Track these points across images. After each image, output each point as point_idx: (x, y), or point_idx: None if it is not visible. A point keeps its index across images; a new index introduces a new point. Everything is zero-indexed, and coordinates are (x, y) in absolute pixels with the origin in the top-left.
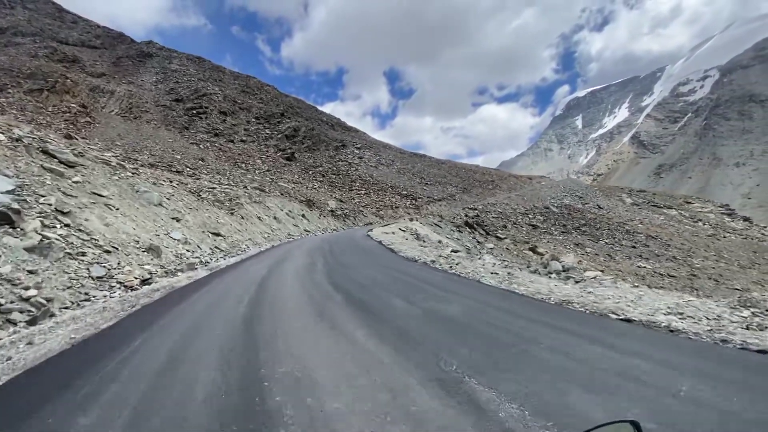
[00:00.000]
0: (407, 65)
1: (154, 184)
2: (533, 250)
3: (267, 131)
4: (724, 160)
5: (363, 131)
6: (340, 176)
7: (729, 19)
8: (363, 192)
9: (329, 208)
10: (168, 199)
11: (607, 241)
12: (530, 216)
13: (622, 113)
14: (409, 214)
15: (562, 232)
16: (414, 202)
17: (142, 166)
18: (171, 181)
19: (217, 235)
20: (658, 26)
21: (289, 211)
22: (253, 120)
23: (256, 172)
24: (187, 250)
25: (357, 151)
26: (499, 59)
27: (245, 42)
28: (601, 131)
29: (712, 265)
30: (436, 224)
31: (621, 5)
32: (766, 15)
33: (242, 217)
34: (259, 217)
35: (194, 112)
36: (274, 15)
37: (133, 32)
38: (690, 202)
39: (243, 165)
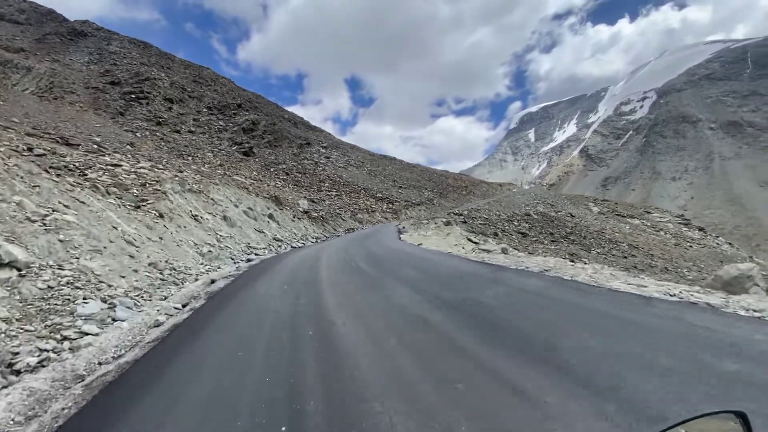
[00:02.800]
0: (368, 73)
1: None
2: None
3: (221, 123)
4: (662, 175)
5: (328, 132)
6: (307, 175)
7: (658, 49)
8: (334, 193)
9: (302, 209)
10: None
11: (598, 251)
12: (515, 223)
13: (571, 128)
14: (387, 219)
15: (552, 241)
16: (391, 205)
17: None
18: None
19: None
20: (597, 52)
21: (249, 208)
22: (205, 110)
23: (206, 165)
24: None
25: (323, 151)
26: (456, 73)
27: (200, 40)
28: (551, 144)
29: (702, 276)
30: (474, 230)
31: (567, 30)
32: (694, 45)
33: (159, 215)
34: (195, 216)
35: (133, 96)
36: (231, 15)
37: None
38: (649, 212)
39: (190, 157)
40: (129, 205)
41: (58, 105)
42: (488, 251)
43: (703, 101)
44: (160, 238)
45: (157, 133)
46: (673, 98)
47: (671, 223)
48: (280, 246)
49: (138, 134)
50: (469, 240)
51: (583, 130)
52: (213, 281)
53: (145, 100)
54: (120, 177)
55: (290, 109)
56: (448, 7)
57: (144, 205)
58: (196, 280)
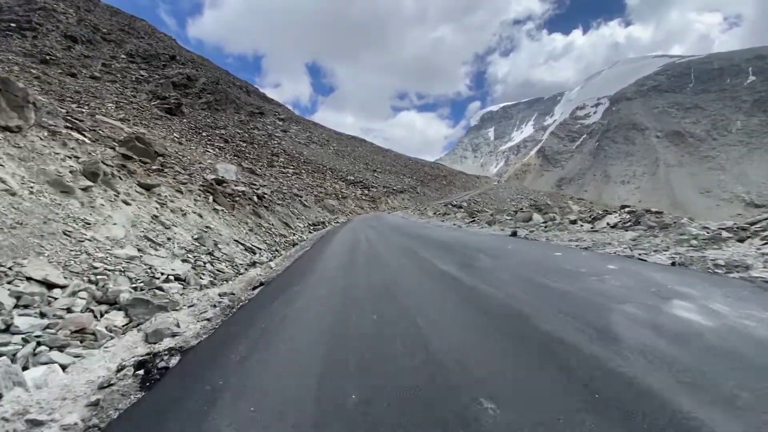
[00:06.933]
0: (329, 61)
1: None
2: None
3: (143, 72)
4: (612, 178)
5: (288, 107)
6: (255, 146)
7: (605, 61)
8: (291, 171)
9: (212, 178)
10: None
11: None
12: None
13: (528, 129)
14: (363, 208)
15: None
16: (367, 192)
17: None
18: None
19: None
20: (551, 59)
21: None
22: (123, 57)
23: (100, 120)
24: None
25: (280, 123)
26: (418, 68)
27: (146, 9)
28: (509, 144)
29: None
30: None
31: (525, 35)
32: (643, 57)
33: None
34: None
35: (12, 25)
36: None
37: None
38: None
39: (75, 105)
40: None
41: None
42: None
43: (651, 111)
44: None
45: (34, 71)
46: (624, 106)
47: None
48: None
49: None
50: None
51: (539, 131)
52: None
53: (32, 32)
54: None
55: None
56: (411, 0)
57: None
58: None
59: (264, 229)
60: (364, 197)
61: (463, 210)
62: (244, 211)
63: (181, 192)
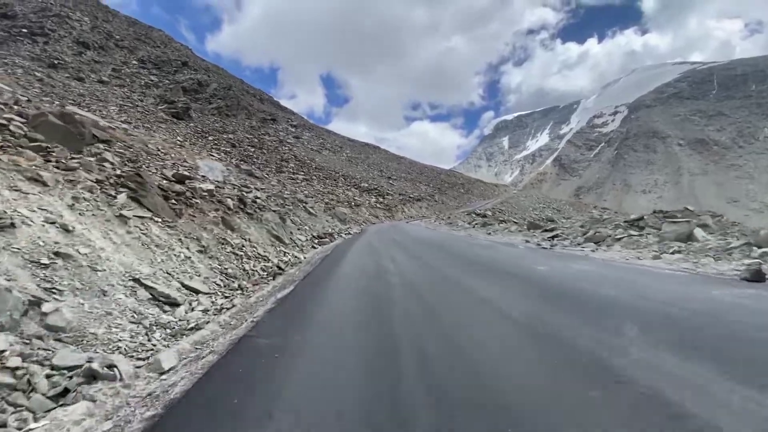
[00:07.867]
0: (343, 72)
1: None
2: None
3: (153, 78)
4: (633, 187)
5: (301, 115)
6: (264, 151)
7: (620, 69)
8: (302, 177)
9: (172, 174)
10: None
11: None
12: None
13: (544, 138)
14: (377, 217)
15: None
16: (382, 199)
17: None
18: None
19: None
20: (565, 68)
21: None
22: (135, 62)
23: (101, 123)
24: None
25: (293, 129)
26: (432, 78)
27: (168, 24)
28: (524, 153)
29: None
30: None
31: (538, 44)
32: (662, 64)
33: None
34: None
35: (24, 31)
36: (202, 2)
37: None
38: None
39: (76, 107)
40: None
41: None
42: None
43: (672, 118)
44: None
45: (37, 73)
46: (643, 114)
47: None
48: None
49: (4, 70)
50: None
51: (555, 140)
52: None
53: (44, 38)
54: None
55: None
56: (424, 11)
57: None
58: None
59: (229, 250)
60: (378, 205)
61: (487, 219)
62: (203, 219)
63: (43, 182)
